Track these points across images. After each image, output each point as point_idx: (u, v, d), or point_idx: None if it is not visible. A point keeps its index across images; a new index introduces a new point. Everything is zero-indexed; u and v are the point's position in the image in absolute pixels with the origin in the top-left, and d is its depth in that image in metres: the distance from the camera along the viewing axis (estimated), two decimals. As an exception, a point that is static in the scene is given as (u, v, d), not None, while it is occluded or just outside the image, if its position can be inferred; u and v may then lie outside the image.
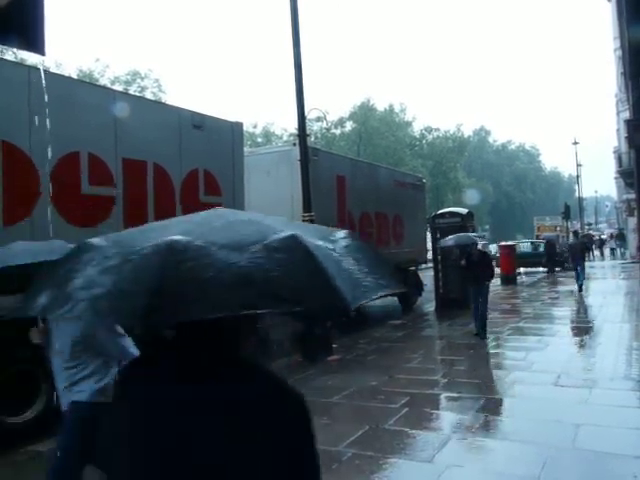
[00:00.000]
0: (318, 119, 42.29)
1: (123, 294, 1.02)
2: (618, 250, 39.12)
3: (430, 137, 61.38)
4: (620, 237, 40.96)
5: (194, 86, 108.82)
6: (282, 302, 1.02)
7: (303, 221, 8.76)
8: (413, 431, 5.17)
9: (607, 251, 42.22)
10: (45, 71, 7.04)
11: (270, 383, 1.23)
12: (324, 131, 49.71)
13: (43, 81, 5.58)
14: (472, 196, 53.42)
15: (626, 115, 24.42)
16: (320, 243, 1.12)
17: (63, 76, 12.42)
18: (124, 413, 1.23)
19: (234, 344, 1.28)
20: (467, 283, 10.68)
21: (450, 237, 10.86)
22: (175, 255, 1.02)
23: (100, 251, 1.11)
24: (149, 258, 1.04)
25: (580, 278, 16.79)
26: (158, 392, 1.18)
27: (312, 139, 41.12)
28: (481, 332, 9.71)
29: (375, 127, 52.31)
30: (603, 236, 50.39)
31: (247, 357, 1.28)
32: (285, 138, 48.89)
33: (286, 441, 1.16)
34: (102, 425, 1.87)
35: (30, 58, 19.07)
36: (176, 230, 1.11)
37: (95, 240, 1.16)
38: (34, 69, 5.99)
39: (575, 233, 25.26)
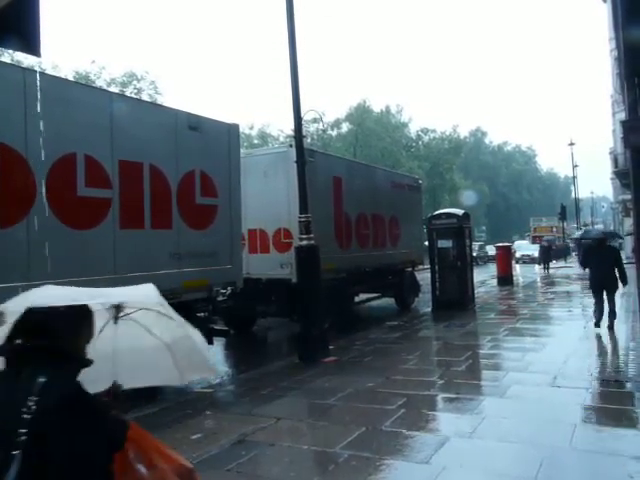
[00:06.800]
0: (314, 120, 42.31)
1: None
2: None
3: (426, 138, 61.43)
4: None
5: (190, 87, 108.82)
6: None
7: (299, 223, 8.77)
8: (410, 432, 5.16)
9: None
10: (41, 73, 7.03)
11: None
12: (320, 132, 49.66)
13: (38, 83, 5.57)
14: (468, 197, 53.53)
15: (622, 116, 24.46)
16: None
17: (59, 78, 12.40)
18: None
19: None
20: None
21: None
22: None
23: None
24: None
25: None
26: None
27: (308, 140, 41.05)
28: None
29: (371, 128, 52.28)
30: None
31: None
32: (281, 139, 48.83)
33: None
34: None
35: (26, 60, 19.06)
36: None
37: None
38: (30, 71, 5.97)
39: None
